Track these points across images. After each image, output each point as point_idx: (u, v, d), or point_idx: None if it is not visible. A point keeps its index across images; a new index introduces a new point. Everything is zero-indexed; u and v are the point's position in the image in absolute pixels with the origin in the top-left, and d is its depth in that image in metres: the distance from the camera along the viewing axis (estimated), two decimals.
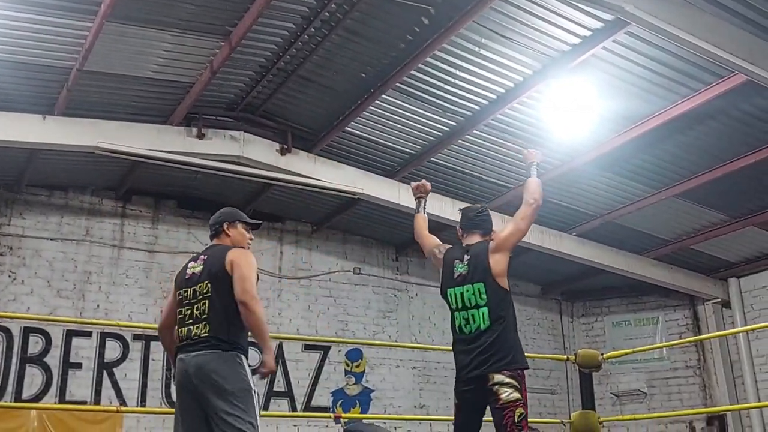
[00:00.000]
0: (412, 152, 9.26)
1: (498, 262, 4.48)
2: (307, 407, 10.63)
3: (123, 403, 9.45)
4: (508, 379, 4.24)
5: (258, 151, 8.87)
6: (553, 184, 9.03)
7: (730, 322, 11.74)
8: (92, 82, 7.63)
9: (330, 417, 10.30)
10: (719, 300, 11.92)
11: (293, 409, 10.51)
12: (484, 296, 4.42)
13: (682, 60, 7.01)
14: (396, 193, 9.59)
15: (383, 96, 8.08)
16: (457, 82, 7.79)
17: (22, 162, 9.00)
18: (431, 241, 5.00)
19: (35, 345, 9.30)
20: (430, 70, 7.64)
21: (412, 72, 7.64)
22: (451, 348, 4.63)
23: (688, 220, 10.35)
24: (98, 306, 9.78)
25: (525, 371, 4.38)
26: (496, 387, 4.23)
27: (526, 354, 4.49)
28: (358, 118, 8.54)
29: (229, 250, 4.21)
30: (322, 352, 10.99)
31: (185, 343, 4.12)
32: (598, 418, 7.13)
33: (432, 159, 9.28)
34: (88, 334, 9.59)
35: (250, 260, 4.17)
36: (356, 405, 11.01)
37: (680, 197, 9.60)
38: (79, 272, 9.82)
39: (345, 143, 9.17)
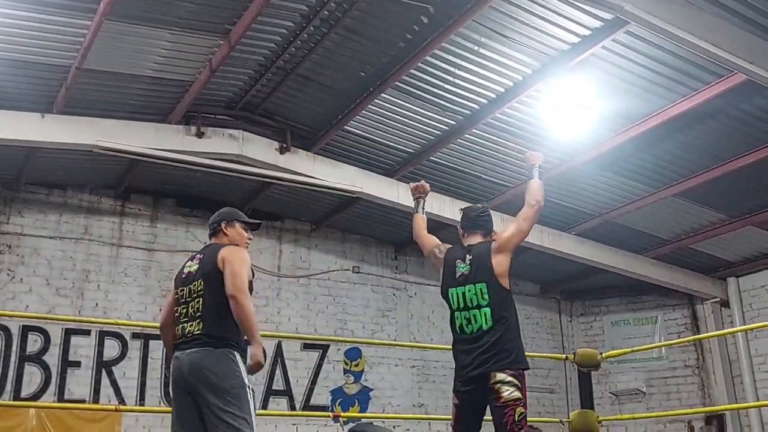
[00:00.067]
0: (412, 151, 9.26)
1: (500, 263, 4.49)
2: (306, 406, 10.63)
3: (122, 401, 9.45)
4: (509, 378, 4.26)
5: (257, 150, 8.86)
6: (552, 183, 9.02)
7: (729, 322, 11.75)
8: (91, 81, 7.63)
9: (329, 416, 10.31)
10: (718, 299, 11.93)
11: (292, 408, 10.50)
12: (486, 296, 4.43)
13: (682, 59, 7.01)
14: (395, 192, 9.59)
15: (382, 95, 8.08)
16: (457, 81, 7.79)
17: (20, 160, 9.00)
18: (431, 241, 5.00)
19: (34, 343, 9.30)
20: (430, 69, 7.64)
21: (412, 71, 7.63)
22: (450, 347, 4.64)
23: (688, 219, 10.35)
24: (97, 304, 9.78)
25: (525, 372, 4.39)
26: (498, 385, 4.25)
27: (525, 353, 4.50)
28: (358, 116, 8.54)
29: (221, 248, 4.24)
30: (321, 350, 10.99)
31: (181, 341, 4.17)
32: (597, 417, 7.13)
33: (431, 158, 9.28)
34: (87, 332, 9.58)
35: (242, 257, 4.18)
36: (355, 404, 11.01)
37: (679, 197, 9.60)
38: (77, 271, 9.81)
39: (344, 142, 9.17)
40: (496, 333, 4.36)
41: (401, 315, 11.84)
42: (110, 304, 9.85)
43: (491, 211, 5.03)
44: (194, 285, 4.21)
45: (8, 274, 9.43)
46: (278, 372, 10.58)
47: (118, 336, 9.73)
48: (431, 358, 11.54)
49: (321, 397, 10.82)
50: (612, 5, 5.91)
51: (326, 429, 10.45)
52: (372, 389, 11.21)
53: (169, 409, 4.30)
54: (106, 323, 9.27)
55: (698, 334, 11.94)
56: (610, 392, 12.54)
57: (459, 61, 7.48)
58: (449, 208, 9.41)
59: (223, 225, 4.44)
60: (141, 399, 9.66)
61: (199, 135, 8.57)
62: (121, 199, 10.35)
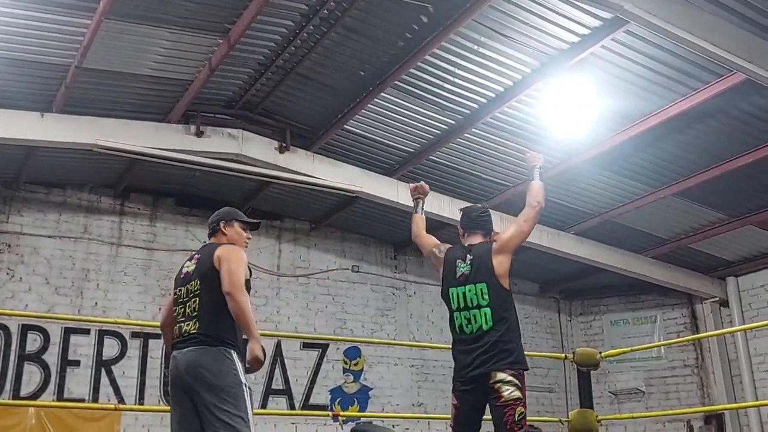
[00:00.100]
0: (411, 150, 9.26)
1: (501, 263, 4.51)
2: (305, 405, 10.63)
3: (121, 400, 9.45)
4: (510, 378, 4.28)
5: (256, 149, 8.86)
6: (551, 182, 9.00)
7: (728, 321, 11.75)
8: (90, 80, 7.63)
9: (328, 415, 10.30)
10: (717, 299, 11.93)
11: (291, 407, 10.51)
12: (486, 297, 4.44)
13: (681, 59, 7.01)
14: (394, 192, 9.59)
15: (382, 94, 8.08)
16: (456, 80, 7.79)
17: (20, 159, 8.99)
18: (430, 241, 5.01)
19: (33, 342, 9.30)
20: (429, 68, 7.64)
21: (411, 70, 7.63)
22: (449, 347, 4.64)
23: (687, 219, 10.36)
24: (96, 303, 9.78)
25: (525, 372, 4.41)
26: (498, 385, 4.26)
27: (524, 352, 4.51)
28: (357, 116, 8.54)
29: (217, 247, 4.26)
30: (320, 350, 10.99)
31: (178, 340, 4.20)
32: (596, 416, 7.13)
33: (431, 157, 9.28)
34: (86, 331, 9.58)
35: (238, 255, 4.19)
36: (354, 403, 11.01)
37: (679, 196, 9.60)
38: (77, 270, 9.81)
39: (344, 141, 9.16)
40: (497, 333, 4.37)
41: (400, 314, 11.85)
42: (109, 303, 9.85)
43: (491, 211, 5.04)
44: (191, 285, 4.23)
45: (8, 273, 9.43)
46: (277, 371, 10.58)
47: (117, 335, 9.74)
48: (430, 357, 11.55)
49: (320, 396, 10.82)
50: (611, 4, 5.91)
51: (325, 428, 10.46)
52: (371, 388, 11.22)
53: (168, 408, 4.31)
54: (105, 322, 9.27)
55: (697, 333, 11.95)
56: (609, 391, 12.54)
57: (459, 61, 7.48)
58: (449, 208, 9.42)
59: (221, 225, 4.44)
60: (140, 398, 9.66)
61: (199, 134, 8.57)
62: (121, 199, 10.35)
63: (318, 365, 10.93)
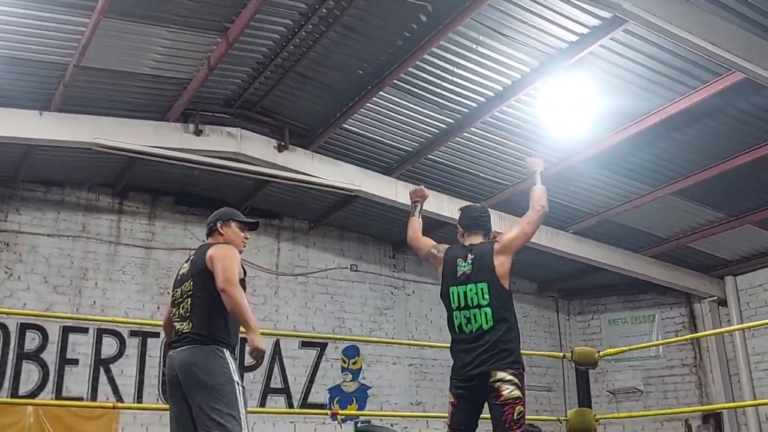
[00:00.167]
0: (410, 149, 9.25)
1: (502, 264, 4.53)
2: (304, 404, 10.63)
3: (119, 399, 9.45)
4: (510, 377, 4.30)
5: (255, 148, 8.86)
6: (550, 181, 8.92)
7: (727, 320, 11.76)
8: (89, 78, 7.62)
9: (327, 414, 10.31)
10: (716, 298, 11.93)
11: (290, 405, 10.50)
12: (486, 296, 4.46)
13: (680, 58, 7.01)
14: (393, 191, 9.59)
15: (381, 93, 8.07)
16: (455, 79, 7.79)
17: (18, 158, 8.99)
18: (427, 242, 5.02)
19: (32, 341, 9.29)
20: (428, 67, 7.63)
21: (410, 69, 7.63)
22: (448, 346, 4.65)
23: (685, 218, 10.36)
24: (95, 302, 9.78)
25: (524, 372, 4.43)
26: (498, 384, 4.28)
27: (523, 351, 4.55)
28: (356, 115, 8.54)
29: (210, 247, 4.26)
30: (318, 348, 10.99)
31: (173, 340, 4.24)
32: (595, 415, 7.13)
33: (429, 156, 9.27)
34: (85, 330, 9.58)
35: (231, 254, 4.19)
36: (353, 402, 11.01)
37: (677, 195, 9.61)
38: (75, 268, 9.81)
39: (342, 140, 9.16)
40: (497, 333, 4.39)
41: (399, 313, 11.85)
42: (108, 301, 9.85)
43: (489, 210, 5.05)
44: (185, 286, 4.26)
45: (6, 272, 9.42)
46: (276, 370, 10.58)
47: (115, 334, 9.73)
48: (429, 356, 11.55)
49: (319, 395, 10.82)
50: (610, 4, 5.91)
51: (324, 427, 10.46)
52: (370, 387, 11.22)
53: (167, 406, 4.32)
54: (103, 321, 9.27)
55: (696, 332, 11.95)
56: (607, 391, 12.54)
57: (457, 60, 7.48)
58: (447, 207, 9.42)
59: (218, 225, 4.44)
60: (139, 397, 9.66)
61: (198, 133, 8.57)
62: (119, 197, 10.35)
63: (317, 364, 10.93)
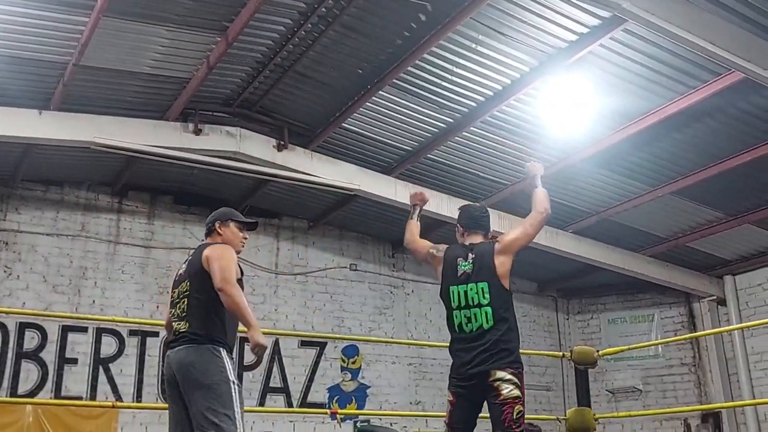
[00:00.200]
0: (409, 149, 9.25)
1: (503, 264, 4.55)
2: (303, 403, 10.63)
3: (119, 398, 9.45)
4: (509, 376, 4.30)
5: (255, 147, 8.86)
6: (549, 181, 8.87)
7: (726, 320, 11.76)
8: (88, 77, 7.62)
9: (326, 413, 10.31)
10: (715, 297, 11.93)
11: (289, 405, 10.51)
12: (487, 296, 4.46)
13: (680, 57, 7.01)
14: (392, 190, 9.59)
15: (380, 92, 8.07)
16: (454, 78, 7.79)
17: (17, 157, 8.98)
18: (425, 244, 5.03)
19: (31, 340, 9.29)
20: (427, 66, 7.63)
21: (409, 68, 7.63)
22: (447, 345, 4.65)
23: (685, 217, 10.36)
24: (94, 302, 9.77)
25: (523, 372, 4.43)
26: (498, 383, 4.29)
27: (522, 351, 4.55)
28: (355, 114, 8.54)
29: (206, 247, 4.27)
30: (318, 348, 10.99)
31: (171, 340, 4.25)
32: (594, 415, 7.13)
33: (429, 155, 9.27)
34: (84, 329, 9.58)
35: (228, 253, 4.19)
36: (352, 401, 11.01)
37: (677, 195, 9.61)
38: (74, 268, 9.81)
39: (342, 139, 9.16)
40: (498, 332, 4.40)
41: (398, 312, 11.85)
42: (107, 301, 9.85)
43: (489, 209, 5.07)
44: (182, 286, 4.27)
45: (5, 271, 9.42)
46: (275, 369, 10.58)
47: (115, 333, 9.73)
48: (428, 355, 11.55)
49: (318, 394, 10.82)
50: (610, 3, 5.91)
51: (323, 426, 10.46)
52: (369, 386, 11.23)
53: (166, 406, 4.33)
54: (103, 320, 9.26)
55: (695, 332, 11.95)
56: (606, 390, 12.55)
57: (457, 59, 7.48)
58: (447, 206, 9.42)
59: (217, 225, 4.44)
60: (138, 396, 9.66)
61: (197, 132, 8.57)
62: (119, 196, 10.34)
63: (316, 363, 10.93)
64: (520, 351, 4.50)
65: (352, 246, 11.80)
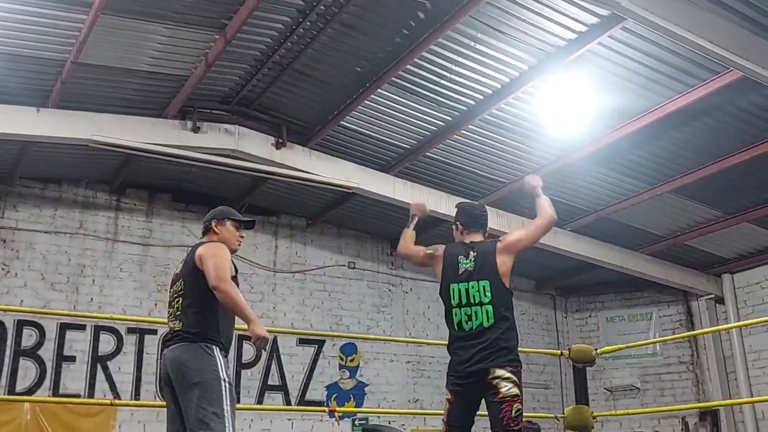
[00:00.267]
0: (408, 147, 9.25)
1: (504, 263, 4.58)
2: (302, 401, 10.63)
3: (117, 396, 9.44)
4: (508, 375, 4.32)
5: (253, 145, 8.85)
6: (548, 179, 8.92)
7: (724, 318, 11.78)
8: (87, 75, 7.61)
9: (324, 411, 10.31)
10: (713, 296, 11.95)
11: (287, 402, 10.51)
12: (488, 294, 4.48)
13: (678, 56, 7.01)
14: (391, 188, 9.59)
15: (378, 90, 8.07)
16: (453, 76, 7.78)
17: (15, 154, 8.97)
18: (419, 249, 5.04)
19: (29, 338, 9.28)
20: (426, 64, 7.63)
21: (408, 66, 7.62)
22: (445, 343, 4.65)
23: (683, 216, 10.37)
24: (92, 299, 9.76)
25: (522, 370, 4.44)
26: (497, 381, 4.30)
27: (520, 349, 4.57)
28: (354, 112, 8.53)
29: (200, 246, 4.28)
30: (316, 346, 10.99)
31: (167, 338, 4.27)
32: (592, 413, 7.14)
33: (427, 154, 9.27)
34: (82, 327, 9.57)
35: (221, 252, 4.20)
36: (350, 399, 11.02)
37: (675, 193, 9.62)
38: (72, 265, 9.79)
39: (340, 137, 9.15)
40: (498, 331, 4.41)
41: (396, 311, 11.85)
42: (105, 298, 9.84)
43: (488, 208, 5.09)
44: (177, 285, 4.29)
45: (3, 269, 9.41)
46: (274, 367, 10.58)
47: (113, 331, 9.72)
48: (426, 353, 11.55)
49: (316, 392, 10.82)
50: (609, 1, 5.91)
51: (321, 424, 10.46)
52: (367, 384, 11.23)
53: (164, 403, 4.34)
54: (101, 318, 9.26)
55: (693, 330, 11.96)
56: (604, 388, 12.56)
57: (455, 57, 7.47)
58: (445, 204, 9.42)
59: (213, 223, 4.45)
60: (136, 394, 9.65)
61: (195, 130, 8.56)
62: (117, 194, 10.33)
63: (314, 361, 10.93)
64: (519, 349, 4.51)
65: (351, 244, 11.80)
